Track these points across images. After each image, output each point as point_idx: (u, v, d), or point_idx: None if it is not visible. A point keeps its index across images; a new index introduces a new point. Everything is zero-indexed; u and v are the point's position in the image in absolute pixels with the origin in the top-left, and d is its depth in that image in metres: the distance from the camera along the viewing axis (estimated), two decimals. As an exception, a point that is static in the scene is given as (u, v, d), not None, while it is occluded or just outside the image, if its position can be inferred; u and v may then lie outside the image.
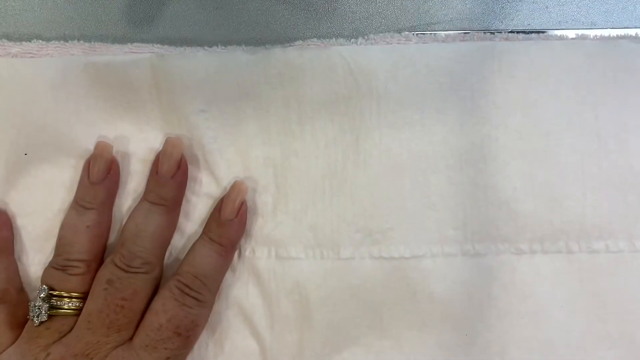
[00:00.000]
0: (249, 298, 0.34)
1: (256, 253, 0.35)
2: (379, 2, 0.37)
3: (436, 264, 0.34)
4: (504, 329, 0.34)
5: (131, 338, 0.32)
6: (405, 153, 0.34)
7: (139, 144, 0.35)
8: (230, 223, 0.33)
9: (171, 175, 0.33)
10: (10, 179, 0.34)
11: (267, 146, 0.35)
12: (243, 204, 0.34)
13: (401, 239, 0.34)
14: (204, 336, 0.34)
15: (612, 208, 0.34)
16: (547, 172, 0.34)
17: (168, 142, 0.34)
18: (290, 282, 0.34)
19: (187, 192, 0.35)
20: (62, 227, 0.33)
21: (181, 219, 0.35)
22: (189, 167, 0.35)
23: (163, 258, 0.34)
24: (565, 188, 0.34)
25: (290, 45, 0.35)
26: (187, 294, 0.32)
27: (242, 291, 0.35)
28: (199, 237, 0.34)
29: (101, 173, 0.34)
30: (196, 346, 0.34)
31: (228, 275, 0.35)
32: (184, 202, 0.35)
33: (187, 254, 0.33)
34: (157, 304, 0.32)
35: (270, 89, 0.34)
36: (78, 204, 0.33)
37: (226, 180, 0.35)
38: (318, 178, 0.35)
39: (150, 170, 0.34)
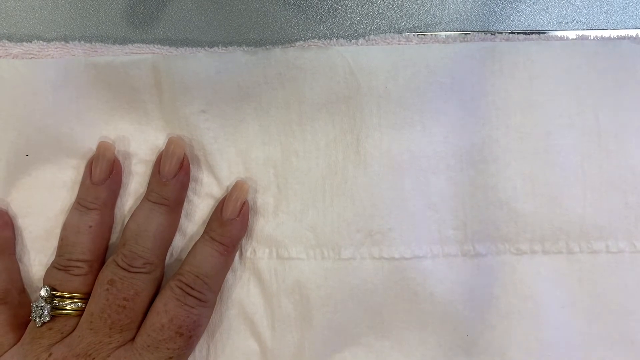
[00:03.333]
0: (249, 298, 0.35)
1: (257, 253, 0.35)
2: (379, 3, 0.37)
3: (436, 264, 0.34)
4: (505, 329, 0.34)
5: (133, 338, 0.32)
6: (406, 153, 0.34)
7: (139, 145, 0.35)
8: (232, 222, 0.33)
9: (173, 175, 0.33)
10: (11, 179, 0.35)
11: (267, 146, 0.35)
12: (245, 203, 0.34)
13: (401, 239, 0.34)
14: (204, 336, 0.34)
15: (612, 208, 0.34)
16: (547, 172, 0.34)
17: (170, 142, 0.34)
18: (291, 282, 0.34)
19: (188, 193, 0.35)
20: (64, 228, 0.33)
21: (182, 220, 0.35)
22: (189, 168, 0.35)
23: (164, 258, 0.34)
24: (566, 188, 0.34)
25: (290, 46, 0.35)
26: (189, 294, 0.32)
27: (243, 291, 0.35)
28: (201, 236, 0.34)
29: (103, 174, 0.34)
30: (197, 346, 0.34)
31: (229, 275, 0.35)
32: (185, 203, 0.35)
33: (189, 253, 0.33)
34: (159, 304, 0.32)
35: (270, 89, 0.35)
36: (80, 205, 0.33)
37: (227, 181, 0.35)
38: (318, 178, 0.35)
39: (153, 170, 0.34)
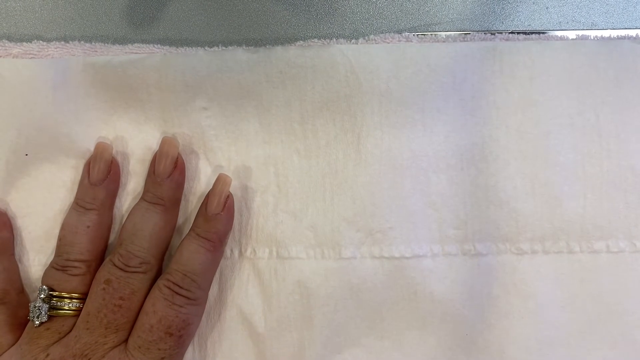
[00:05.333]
0: (248, 298, 0.34)
1: (257, 253, 0.35)
2: (379, 2, 0.37)
3: (437, 263, 0.34)
4: (505, 328, 0.34)
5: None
6: (407, 152, 0.34)
7: (138, 144, 0.35)
8: (217, 217, 0.33)
9: (168, 174, 0.33)
10: (10, 179, 0.34)
11: (268, 145, 0.35)
12: (229, 197, 0.34)
13: (402, 238, 0.34)
14: (203, 337, 0.34)
15: (612, 208, 0.34)
16: (547, 172, 0.34)
17: (164, 142, 0.34)
18: (291, 281, 0.34)
19: (187, 192, 0.35)
20: (63, 228, 0.33)
21: (180, 220, 0.35)
22: (190, 166, 0.35)
23: (162, 258, 0.34)
24: (566, 188, 0.34)
25: (291, 45, 0.35)
26: (177, 293, 0.32)
27: (242, 291, 0.35)
28: (187, 234, 0.33)
29: (101, 174, 0.34)
30: (196, 347, 0.34)
31: (227, 275, 0.35)
32: (183, 203, 0.35)
33: (176, 252, 0.33)
34: (147, 304, 0.32)
35: (271, 87, 0.35)
36: (78, 205, 0.33)
37: (227, 179, 0.35)
38: (319, 177, 0.35)
39: (148, 170, 0.34)
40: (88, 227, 0.33)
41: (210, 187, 0.34)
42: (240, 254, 0.35)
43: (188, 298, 0.32)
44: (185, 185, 0.35)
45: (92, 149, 0.35)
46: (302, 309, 0.34)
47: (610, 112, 0.35)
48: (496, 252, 0.34)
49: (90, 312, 0.31)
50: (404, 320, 0.34)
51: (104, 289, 0.31)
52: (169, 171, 0.33)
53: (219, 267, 0.34)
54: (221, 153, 0.35)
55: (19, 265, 0.34)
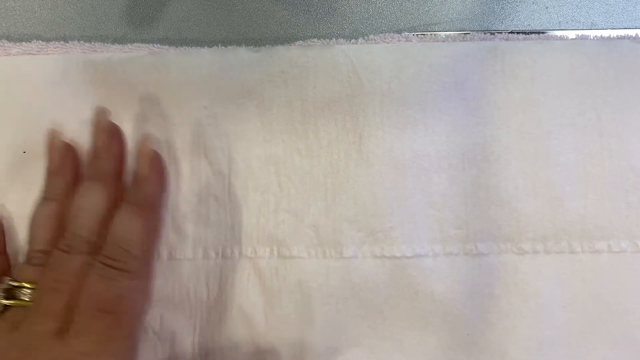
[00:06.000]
0: (249, 298, 0.34)
1: (258, 252, 0.34)
2: (379, 2, 0.37)
3: (438, 263, 0.34)
4: (506, 328, 0.34)
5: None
6: (408, 152, 0.34)
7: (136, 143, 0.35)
8: (145, 180, 0.32)
9: (103, 144, 0.33)
10: (8, 176, 0.34)
11: (269, 144, 0.35)
12: (156, 158, 0.33)
13: (403, 238, 0.34)
14: (203, 337, 0.34)
15: (614, 208, 0.34)
16: (549, 172, 0.34)
17: (95, 113, 0.33)
18: (292, 281, 0.34)
19: (187, 192, 0.35)
20: (30, 219, 0.33)
21: (180, 220, 0.35)
22: (189, 166, 0.35)
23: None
24: (567, 188, 0.34)
25: (292, 45, 0.35)
26: (109, 266, 0.30)
27: (242, 291, 0.34)
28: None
29: (55, 162, 0.33)
30: (196, 346, 0.34)
31: (228, 275, 0.34)
32: (183, 203, 0.35)
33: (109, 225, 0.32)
34: (82, 284, 0.30)
35: (273, 87, 0.35)
36: (42, 195, 0.33)
37: (227, 179, 0.35)
38: (320, 177, 0.35)
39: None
40: (47, 216, 0.32)
41: (210, 187, 0.34)
42: (241, 253, 0.35)
43: (121, 270, 0.30)
44: (185, 185, 0.35)
45: (91, 147, 0.34)
46: (304, 308, 0.34)
47: (611, 112, 0.35)
48: (497, 251, 0.34)
49: (35, 299, 0.30)
50: (405, 320, 0.34)
51: (45, 274, 0.30)
52: (103, 141, 0.33)
53: (218, 267, 0.34)
54: (222, 152, 0.35)
55: (16, 263, 0.34)
